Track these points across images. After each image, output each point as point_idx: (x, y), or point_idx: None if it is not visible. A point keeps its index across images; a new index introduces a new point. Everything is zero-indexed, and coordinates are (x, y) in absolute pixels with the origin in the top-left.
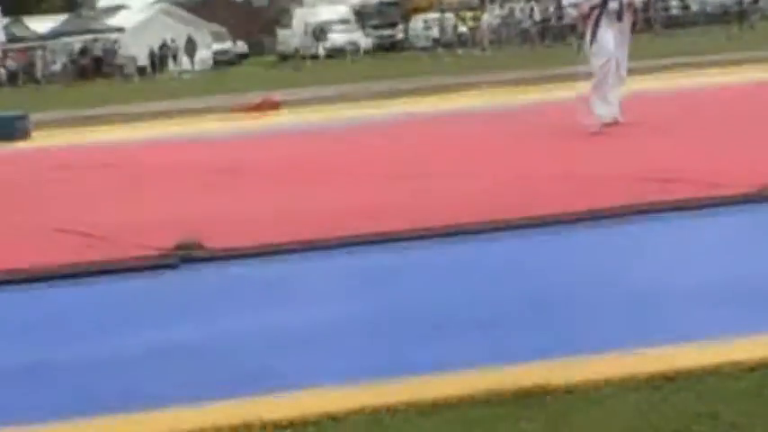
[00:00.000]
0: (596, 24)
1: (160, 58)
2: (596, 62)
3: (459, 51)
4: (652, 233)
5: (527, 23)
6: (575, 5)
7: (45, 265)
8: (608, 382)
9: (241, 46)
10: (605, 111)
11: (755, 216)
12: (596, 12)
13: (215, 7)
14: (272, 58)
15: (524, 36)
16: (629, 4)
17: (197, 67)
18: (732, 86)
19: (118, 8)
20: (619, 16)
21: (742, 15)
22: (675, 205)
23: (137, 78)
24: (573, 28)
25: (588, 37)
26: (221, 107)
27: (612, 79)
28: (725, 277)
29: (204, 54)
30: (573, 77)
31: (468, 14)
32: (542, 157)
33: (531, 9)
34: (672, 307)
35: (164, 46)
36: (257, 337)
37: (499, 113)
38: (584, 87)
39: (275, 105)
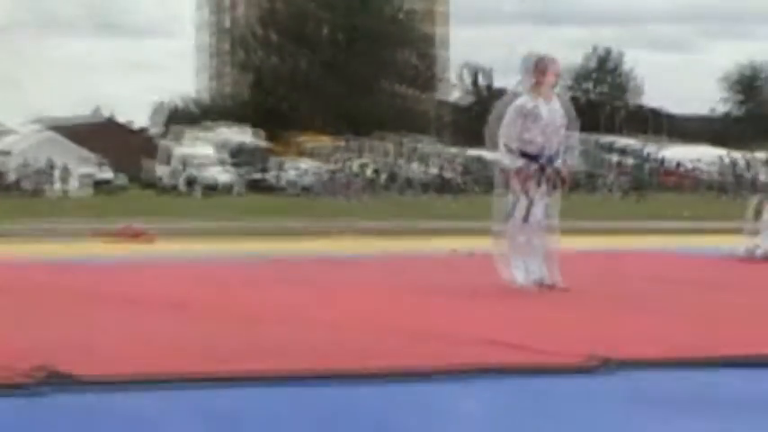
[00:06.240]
0: (522, 187)
1: (39, 182)
2: (512, 223)
3: (325, 198)
4: (460, 396)
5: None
6: (507, 166)
7: None
8: None
9: (121, 177)
10: (521, 277)
11: (569, 388)
12: (524, 174)
13: (101, 134)
14: (143, 188)
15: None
16: (557, 172)
17: (73, 193)
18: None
19: (7, 132)
20: (554, 185)
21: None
22: (484, 369)
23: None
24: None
25: (512, 197)
26: (89, 231)
27: (531, 245)
28: None
29: (81, 180)
30: (438, 232)
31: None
32: (401, 310)
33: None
34: None
35: (39, 171)
36: None
37: (354, 262)
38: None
39: (141, 235)
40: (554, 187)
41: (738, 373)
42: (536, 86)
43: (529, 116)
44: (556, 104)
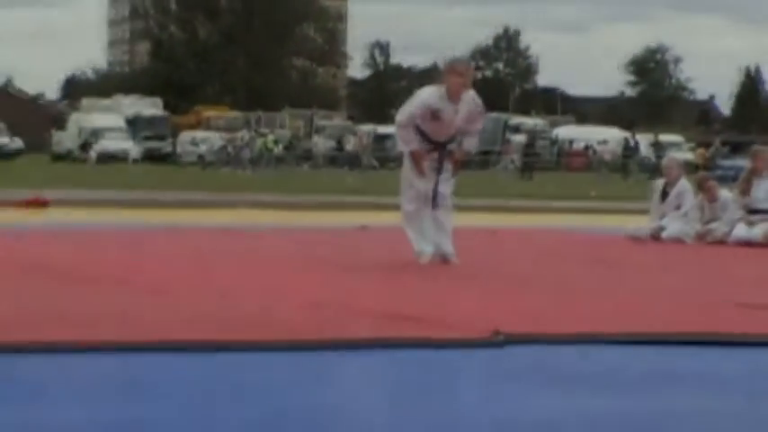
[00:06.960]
0: (417, 166)
1: None
2: (405, 198)
3: (224, 170)
4: (353, 368)
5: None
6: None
7: None
8: None
9: (17, 141)
10: (426, 248)
11: (467, 362)
12: (418, 153)
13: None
14: (46, 157)
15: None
16: (450, 153)
17: None
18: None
19: None
20: (439, 168)
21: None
22: (388, 343)
23: None
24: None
25: (411, 175)
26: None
27: (432, 221)
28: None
29: None
30: (338, 206)
31: (233, 135)
32: (301, 282)
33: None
34: None
35: None
36: None
37: (256, 235)
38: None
39: (44, 204)
40: (438, 170)
41: (634, 350)
42: (446, 86)
43: (431, 114)
44: (462, 104)
